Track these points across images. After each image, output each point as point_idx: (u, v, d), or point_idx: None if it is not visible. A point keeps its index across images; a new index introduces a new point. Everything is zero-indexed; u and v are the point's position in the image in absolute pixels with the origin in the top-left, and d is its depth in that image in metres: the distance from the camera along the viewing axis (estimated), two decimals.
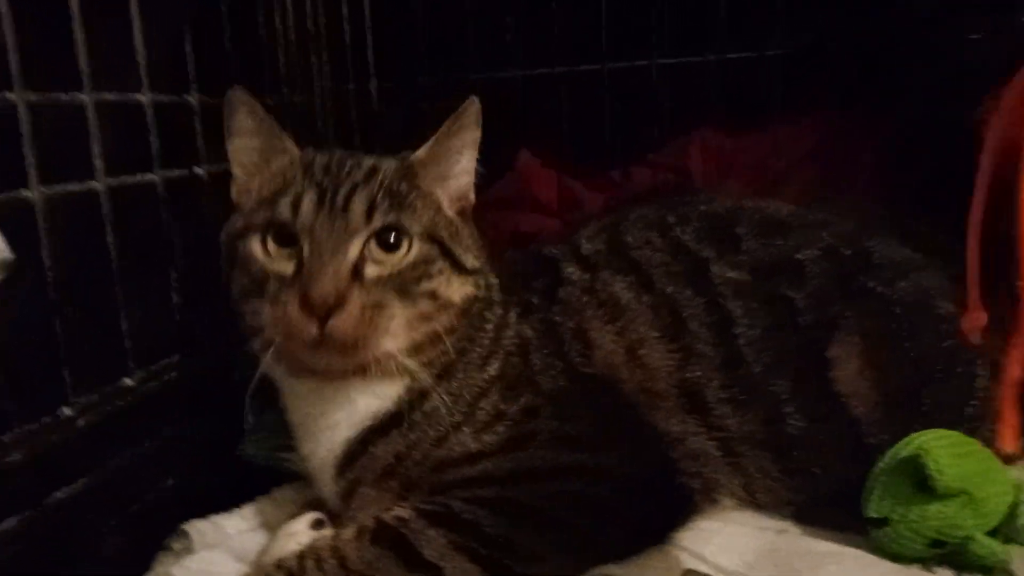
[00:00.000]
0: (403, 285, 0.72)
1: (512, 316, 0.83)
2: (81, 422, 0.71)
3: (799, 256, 0.86)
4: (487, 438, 0.75)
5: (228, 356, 0.91)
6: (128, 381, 0.77)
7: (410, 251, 0.73)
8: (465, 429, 0.75)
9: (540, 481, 0.73)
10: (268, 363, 0.74)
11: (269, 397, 0.93)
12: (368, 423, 0.75)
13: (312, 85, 1.21)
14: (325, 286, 0.67)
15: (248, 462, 0.95)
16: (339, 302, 0.67)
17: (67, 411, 0.70)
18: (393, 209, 0.72)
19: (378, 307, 0.70)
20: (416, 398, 0.75)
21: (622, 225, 0.91)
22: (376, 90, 1.34)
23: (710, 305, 0.83)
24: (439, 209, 0.78)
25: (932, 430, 0.74)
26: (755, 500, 0.82)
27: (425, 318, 0.73)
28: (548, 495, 0.72)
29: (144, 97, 0.80)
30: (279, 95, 1.09)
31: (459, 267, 0.76)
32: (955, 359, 0.84)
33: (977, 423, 0.82)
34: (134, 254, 0.78)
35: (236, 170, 0.79)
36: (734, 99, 1.28)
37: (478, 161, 0.80)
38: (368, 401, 0.75)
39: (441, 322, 0.75)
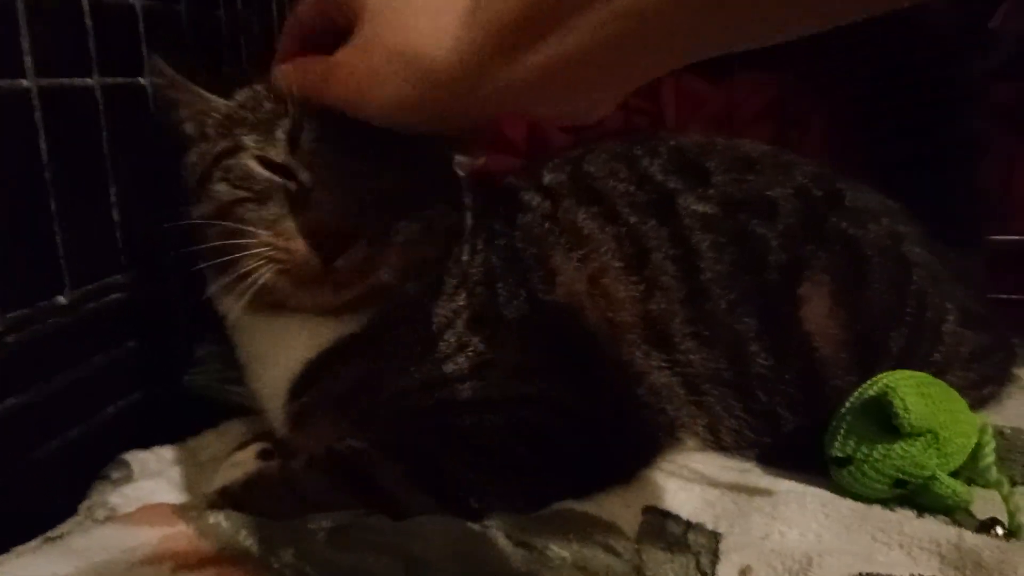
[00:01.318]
0: (401, 214, 0.67)
1: (479, 243, 0.80)
2: (9, 338, 0.67)
3: (771, 193, 0.85)
4: (448, 368, 0.72)
5: (174, 280, 0.88)
6: (62, 299, 0.72)
7: (407, 182, 0.68)
8: (427, 359, 0.72)
9: (497, 412, 0.70)
10: (224, 300, 0.71)
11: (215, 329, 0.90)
12: (328, 347, 0.72)
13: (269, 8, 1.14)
14: (335, 219, 0.62)
15: (194, 393, 0.91)
16: (347, 235, 0.62)
17: None
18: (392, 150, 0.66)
19: (382, 243, 0.65)
20: (383, 325, 0.72)
21: (587, 157, 0.88)
22: None
23: (675, 237, 0.81)
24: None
25: (899, 370, 0.74)
26: (719, 441, 0.81)
27: (418, 245, 0.69)
28: (505, 427, 0.70)
29: None
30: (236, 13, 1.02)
31: (445, 197, 0.73)
32: (924, 304, 0.83)
33: (944, 368, 0.82)
34: (70, 164, 0.73)
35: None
36: None
37: None
38: (332, 326, 0.71)
39: (435, 248, 0.72)
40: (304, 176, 0.64)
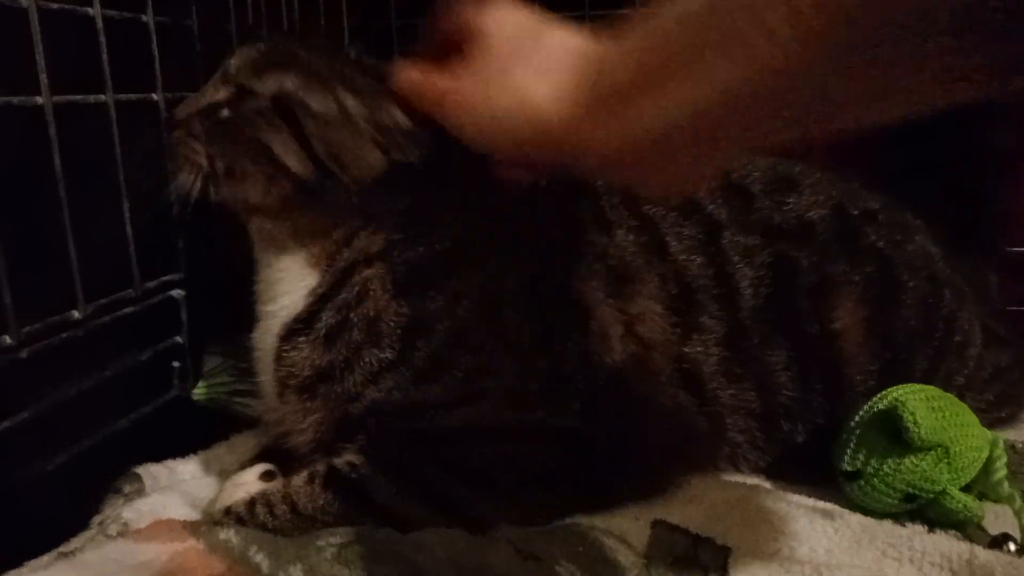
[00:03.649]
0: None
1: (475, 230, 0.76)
2: (24, 353, 0.67)
3: (810, 215, 0.83)
4: (432, 390, 0.69)
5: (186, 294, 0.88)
6: (76, 314, 0.73)
7: None
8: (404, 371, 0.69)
9: (499, 440, 0.70)
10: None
11: (224, 342, 0.91)
12: (293, 315, 0.73)
13: (280, 21, 1.15)
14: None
15: (203, 406, 0.92)
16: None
17: (8, 340, 0.66)
18: None
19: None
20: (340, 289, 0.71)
21: None
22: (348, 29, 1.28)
23: (720, 275, 0.79)
24: None
25: (909, 384, 0.73)
26: (736, 467, 0.81)
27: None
28: (505, 455, 0.69)
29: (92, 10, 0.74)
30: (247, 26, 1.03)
31: None
32: (952, 327, 0.83)
33: (964, 390, 0.81)
34: (84, 180, 0.74)
35: None
36: None
37: None
38: (307, 282, 0.73)
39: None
40: None
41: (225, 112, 0.70)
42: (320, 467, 0.68)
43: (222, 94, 0.71)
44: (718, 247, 0.79)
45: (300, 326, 0.72)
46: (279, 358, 0.73)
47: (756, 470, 0.81)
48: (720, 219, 0.81)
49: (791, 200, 0.83)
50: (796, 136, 0.49)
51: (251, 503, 0.66)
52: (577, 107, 0.52)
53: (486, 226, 0.75)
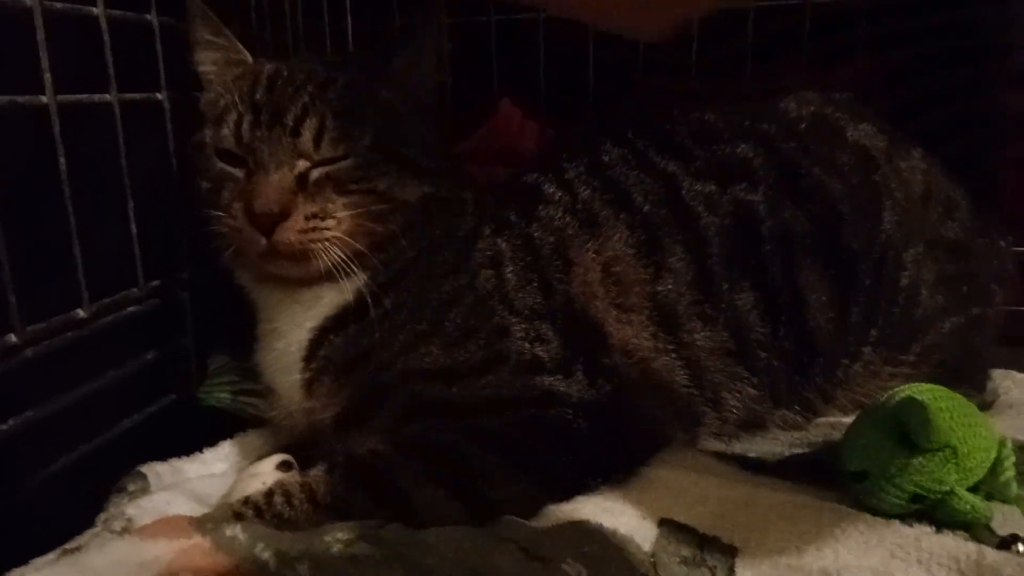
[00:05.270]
0: (348, 187, 0.72)
1: (486, 229, 0.82)
2: (29, 352, 0.67)
3: (740, 153, 0.86)
4: (459, 355, 0.74)
5: (190, 293, 0.88)
6: (81, 312, 0.73)
7: (358, 158, 0.73)
8: (435, 340, 0.74)
9: (510, 408, 0.72)
10: (238, 272, 0.78)
11: (230, 339, 0.91)
12: (329, 313, 0.76)
13: (284, 24, 1.15)
14: (269, 199, 0.69)
15: (208, 406, 0.92)
16: (283, 213, 0.69)
17: (13, 339, 0.66)
18: (342, 132, 0.72)
19: (323, 214, 0.71)
20: (372, 296, 0.74)
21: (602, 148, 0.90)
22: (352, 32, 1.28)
23: (685, 226, 0.83)
24: (393, 111, 0.77)
25: (916, 384, 0.73)
26: (723, 413, 0.82)
27: (375, 218, 0.73)
28: (520, 424, 0.71)
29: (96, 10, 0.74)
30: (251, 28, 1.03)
31: (413, 168, 0.76)
32: (900, 260, 0.87)
33: (925, 328, 0.88)
34: (89, 179, 0.74)
35: (203, 81, 0.80)
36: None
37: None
38: (331, 296, 0.76)
39: (395, 222, 0.75)
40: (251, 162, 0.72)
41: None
42: (340, 457, 0.68)
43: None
44: (679, 198, 0.84)
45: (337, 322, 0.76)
46: (311, 357, 0.76)
47: (744, 421, 0.83)
48: (672, 172, 0.85)
49: (719, 148, 0.87)
50: None
51: (270, 493, 0.66)
52: None
53: (487, 215, 0.83)
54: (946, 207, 0.90)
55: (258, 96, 0.74)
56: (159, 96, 0.83)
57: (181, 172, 0.82)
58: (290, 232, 0.70)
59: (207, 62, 0.79)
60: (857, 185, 0.86)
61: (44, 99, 0.68)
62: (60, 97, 0.69)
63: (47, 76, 0.68)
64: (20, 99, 0.66)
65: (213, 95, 0.78)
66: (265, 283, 0.78)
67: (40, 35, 0.66)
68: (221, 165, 0.74)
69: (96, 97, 0.76)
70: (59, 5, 0.69)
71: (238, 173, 0.73)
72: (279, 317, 0.78)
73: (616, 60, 1.24)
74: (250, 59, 0.78)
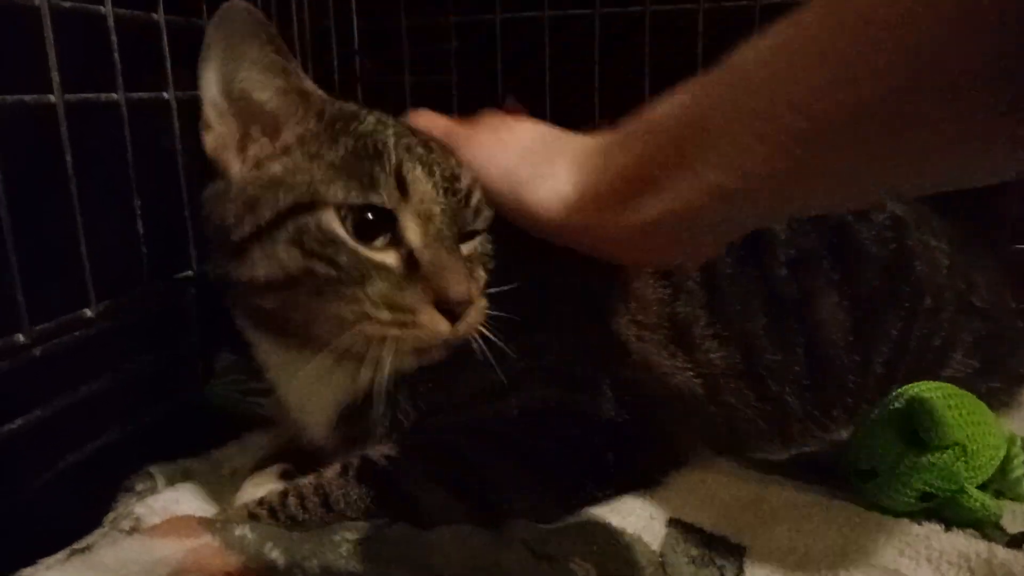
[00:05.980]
0: (486, 263, 0.71)
1: None
2: (36, 351, 0.67)
3: None
4: (493, 377, 0.69)
5: (197, 293, 0.88)
6: (88, 312, 0.73)
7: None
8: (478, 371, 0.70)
9: (525, 417, 0.70)
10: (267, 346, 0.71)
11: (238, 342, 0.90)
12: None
13: (291, 21, 1.15)
14: (461, 286, 0.61)
15: (215, 405, 0.92)
16: (471, 300, 0.63)
17: (21, 338, 0.66)
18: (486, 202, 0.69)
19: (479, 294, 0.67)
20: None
21: None
22: (358, 30, 1.28)
23: None
24: None
25: (925, 382, 0.73)
26: (736, 437, 0.81)
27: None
28: (532, 430, 0.70)
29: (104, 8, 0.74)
30: None
31: None
32: (921, 290, 0.86)
33: (948, 353, 0.86)
34: (95, 178, 0.74)
35: (212, 113, 0.66)
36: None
37: None
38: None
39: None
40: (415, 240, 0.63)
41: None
42: (354, 459, 0.67)
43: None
44: None
45: None
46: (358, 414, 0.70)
47: (756, 442, 0.82)
48: None
49: None
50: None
51: (284, 494, 0.65)
52: (573, 211, 0.60)
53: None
54: (968, 284, 0.90)
55: (417, 151, 0.64)
56: (166, 95, 0.83)
57: (188, 171, 0.82)
58: (474, 316, 0.63)
59: (249, 89, 0.65)
60: (888, 240, 0.86)
61: (52, 98, 0.68)
62: (68, 96, 0.69)
63: (55, 75, 0.68)
64: (28, 98, 0.66)
65: (256, 139, 0.66)
66: (294, 349, 0.69)
67: (48, 34, 0.66)
68: (359, 247, 0.61)
69: (103, 96, 0.75)
70: (67, 4, 0.69)
71: (388, 257, 0.62)
72: (312, 384, 0.70)
73: (622, 60, 1.24)
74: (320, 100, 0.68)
